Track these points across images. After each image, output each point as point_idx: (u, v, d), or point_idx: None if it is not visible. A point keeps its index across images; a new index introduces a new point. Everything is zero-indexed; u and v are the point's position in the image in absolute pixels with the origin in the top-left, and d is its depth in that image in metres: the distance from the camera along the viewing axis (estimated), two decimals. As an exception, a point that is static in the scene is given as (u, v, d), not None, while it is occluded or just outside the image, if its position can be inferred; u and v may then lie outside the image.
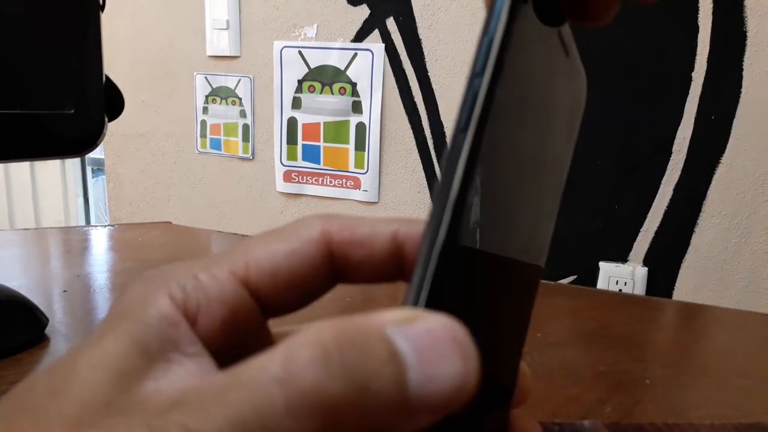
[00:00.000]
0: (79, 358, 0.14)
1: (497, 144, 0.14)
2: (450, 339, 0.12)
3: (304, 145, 1.35)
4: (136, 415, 0.12)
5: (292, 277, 0.16)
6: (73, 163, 2.13)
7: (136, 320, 0.14)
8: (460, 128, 0.13)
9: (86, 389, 0.13)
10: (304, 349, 0.11)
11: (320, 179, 1.35)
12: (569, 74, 0.18)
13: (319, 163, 1.34)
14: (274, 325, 0.17)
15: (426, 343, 0.12)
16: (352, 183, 1.32)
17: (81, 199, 2.20)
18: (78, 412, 0.12)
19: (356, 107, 1.28)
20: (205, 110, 1.45)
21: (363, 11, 1.25)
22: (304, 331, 0.12)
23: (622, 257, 1.12)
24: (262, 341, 0.17)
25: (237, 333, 0.15)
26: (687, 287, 1.08)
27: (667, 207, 1.08)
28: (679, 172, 1.06)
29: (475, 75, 0.13)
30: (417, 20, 1.21)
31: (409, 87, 1.24)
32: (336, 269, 0.16)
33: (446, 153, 0.13)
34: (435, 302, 0.13)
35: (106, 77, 0.46)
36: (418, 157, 1.26)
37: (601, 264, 1.13)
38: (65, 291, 0.56)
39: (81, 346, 0.14)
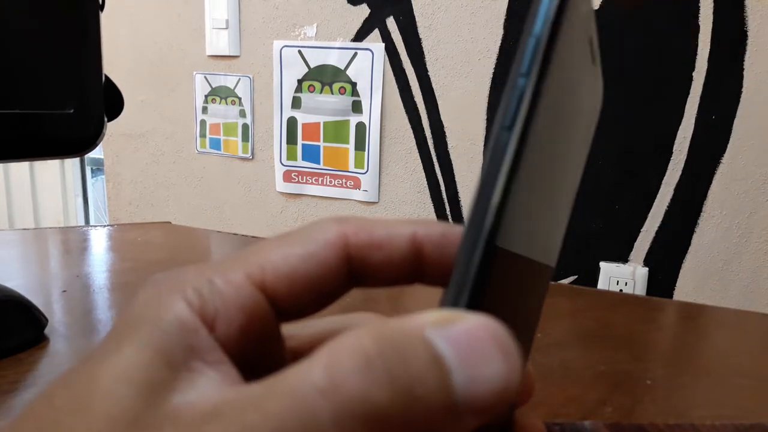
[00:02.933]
0: (100, 368, 0.13)
1: (533, 145, 0.14)
2: (490, 338, 0.12)
3: (303, 145, 1.35)
4: (169, 430, 0.12)
5: (308, 280, 0.15)
6: (72, 163, 2.13)
7: (154, 327, 0.13)
8: (505, 126, 0.13)
9: (111, 403, 0.12)
10: (345, 357, 0.11)
11: (320, 179, 1.35)
12: (592, 82, 0.18)
13: (319, 163, 1.34)
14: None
15: (466, 343, 0.11)
16: (352, 183, 1.32)
17: (80, 199, 2.19)
18: (105, 429, 0.12)
19: (356, 107, 1.28)
20: (204, 110, 1.45)
21: (363, 11, 1.25)
22: (341, 339, 0.12)
23: (622, 257, 1.12)
24: (277, 346, 0.16)
25: (253, 338, 0.15)
26: (687, 287, 1.08)
27: (667, 207, 1.08)
28: (679, 172, 1.06)
29: (521, 74, 0.13)
30: (417, 20, 1.21)
31: (409, 87, 1.24)
32: (353, 273, 0.16)
33: (490, 149, 0.13)
34: (473, 303, 0.13)
35: (106, 77, 0.46)
36: (418, 157, 1.26)
37: (602, 264, 1.13)
38: (64, 291, 0.56)
39: (97, 354, 0.13)
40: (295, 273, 0.15)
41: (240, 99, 1.40)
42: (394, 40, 1.24)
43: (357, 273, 0.16)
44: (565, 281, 1.16)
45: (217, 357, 0.14)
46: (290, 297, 0.15)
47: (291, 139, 1.36)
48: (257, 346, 0.15)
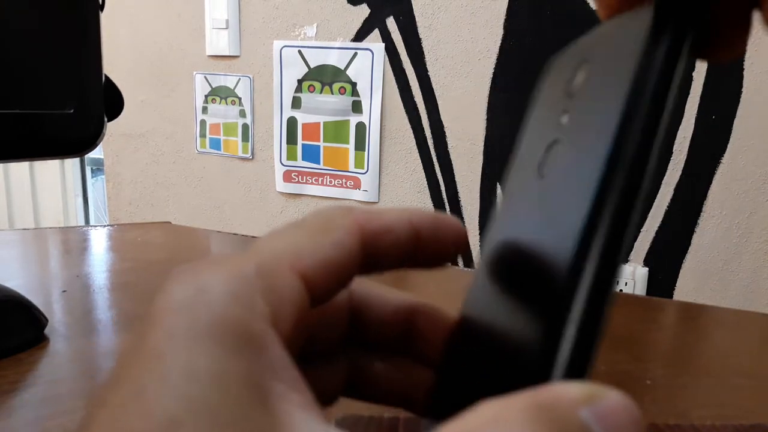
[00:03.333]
0: (187, 417, 0.10)
1: None
2: (631, 420, 0.11)
3: (303, 145, 1.35)
4: None
5: (339, 268, 0.15)
6: (72, 163, 2.13)
7: (224, 349, 0.11)
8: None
9: None
10: None
11: (320, 179, 1.35)
12: None
13: (319, 163, 1.34)
14: None
15: (613, 426, 0.11)
16: (352, 183, 1.32)
17: (80, 199, 2.19)
18: None
19: (356, 107, 1.28)
20: (204, 110, 1.45)
21: (363, 11, 1.25)
22: (496, 418, 0.11)
23: (622, 257, 1.12)
24: (305, 333, 0.16)
25: (301, 331, 0.14)
26: (687, 287, 1.08)
27: (667, 207, 1.08)
28: (679, 172, 1.06)
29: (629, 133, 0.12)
30: (417, 20, 1.21)
31: (409, 87, 1.24)
32: (365, 258, 0.16)
33: (611, 217, 0.12)
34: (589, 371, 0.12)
35: (106, 77, 0.46)
36: (418, 157, 1.26)
37: (601, 264, 1.13)
38: (64, 291, 0.56)
39: (158, 385, 0.11)
40: (329, 261, 0.15)
41: (240, 99, 1.40)
42: (394, 40, 1.24)
43: (368, 258, 0.16)
44: (565, 281, 1.16)
45: (292, 374, 0.12)
46: (324, 284, 0.15)
47: (291, 139, 1.36)
48: (299, 337, 0.15)
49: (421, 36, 1.22)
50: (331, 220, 0.16)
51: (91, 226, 1.11)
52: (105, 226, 0.92)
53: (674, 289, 1.10)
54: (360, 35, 1.26)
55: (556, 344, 0.12)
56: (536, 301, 0.14)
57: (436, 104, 1.23)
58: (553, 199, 0.14)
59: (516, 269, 0.16)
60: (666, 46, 0.12)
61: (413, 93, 1.24)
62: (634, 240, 1.11)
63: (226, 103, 1.42)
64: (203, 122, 1.46)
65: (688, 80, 1.03)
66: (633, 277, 1.10)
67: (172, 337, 0.11)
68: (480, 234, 1.22)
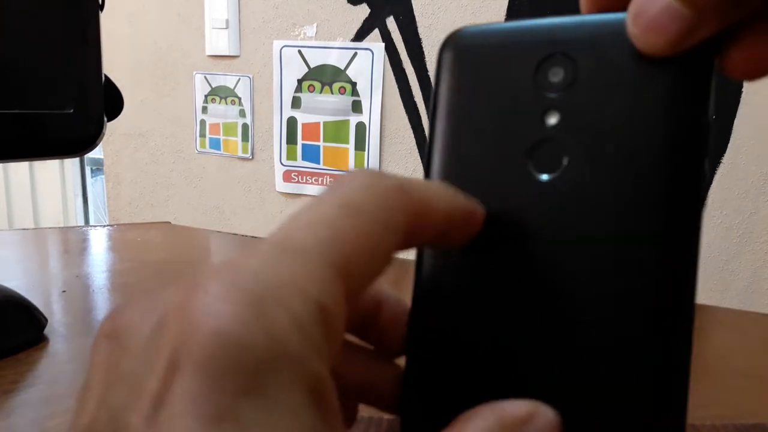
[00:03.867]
0: None
1: None
2: None
3: (303, 145, 1.35)
4: None
5: (376, 276, 0.14)
6: (72, 163, 2.13)
7: (312, 416, 0.11)
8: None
9: None
10: None
11: (320, 179, 1.35)
12: None
13: (318, 162, 1.34)
14: None
15: None
16: (352, 183, 1.32)
17: (80, 199, 2.19)
18: None
19: (356, 107, 1.28)
20: (204, 110, 1.45)
21: (363, 10, 1.25)
22: None
23: (622, 257, 1.12)
24: None
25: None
26: (687, 287, 1.08)
27: (667, 207, 1.08)
28: (679, 172, 1.06)
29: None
30: (417, 19, 1.21)
31: (409, 87, 1.24)
32: None
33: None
34: None
35: (106, 77, 0.46)
36: (418, 157, 1.26)
37: (601, 264, 1.13)
38: (64, 291, 0.56)
39: None
40: (375, 275, 0.14)
41: (240, 99, 1.40)
42: (394, 40, 1.24)
43: None
44: (565, 281, 1.16)
45: (340, 421, 0.12)
46: (358, 294, 0.14)
47: (291, 138, 1.36)
48: None
49: (421, 36, 1.22)
50: (388, 208, 0.14)
51: (91, 226, 1.11)
52: (104, 226, 0.92)
53: (674, 289, 1.10)
54: (360, 35, 1.26)
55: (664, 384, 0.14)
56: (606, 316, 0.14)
57: (436, 104, 1.22)
58: (593, 206, 0.15)
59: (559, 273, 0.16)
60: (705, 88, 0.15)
61: (413, 93, 1.24)
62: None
63: (226, 103, 1.42)
64: (203, 122, 1.46)
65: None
66: (633, 277, 1.10)
67: (257, 399, 0.10)
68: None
